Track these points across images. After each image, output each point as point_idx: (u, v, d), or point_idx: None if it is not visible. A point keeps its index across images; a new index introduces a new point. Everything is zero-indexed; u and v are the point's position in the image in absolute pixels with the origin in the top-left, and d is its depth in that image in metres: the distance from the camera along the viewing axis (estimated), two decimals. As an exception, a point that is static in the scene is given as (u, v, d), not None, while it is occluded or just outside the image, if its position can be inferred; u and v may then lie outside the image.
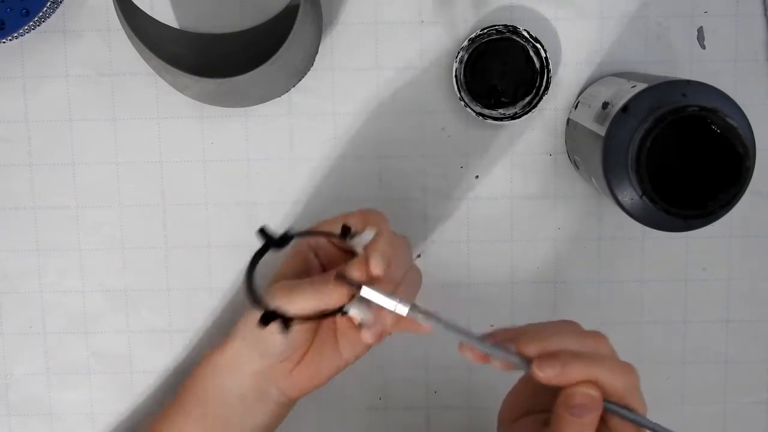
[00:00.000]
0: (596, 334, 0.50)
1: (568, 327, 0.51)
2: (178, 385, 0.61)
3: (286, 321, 0.50)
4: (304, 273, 0.58)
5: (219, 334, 0.65)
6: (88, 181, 0.65)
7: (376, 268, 0.51)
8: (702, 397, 0.66)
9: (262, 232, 0.51)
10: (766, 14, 0.63)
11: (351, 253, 0.56)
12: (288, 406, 0.60)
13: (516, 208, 0.65)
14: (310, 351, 0.57)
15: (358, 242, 0.54)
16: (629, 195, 0.52)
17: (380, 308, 0.51)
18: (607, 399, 0.48)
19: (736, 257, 0.65)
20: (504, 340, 0.50)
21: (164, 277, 0.66)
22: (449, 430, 0.67)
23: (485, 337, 0.50)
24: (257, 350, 0.56)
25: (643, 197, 0.51)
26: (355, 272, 0.52)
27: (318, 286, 0.53)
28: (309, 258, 0.58)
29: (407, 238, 0.58)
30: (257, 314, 0.51)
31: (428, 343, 0.66)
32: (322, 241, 0.57)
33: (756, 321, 0.66)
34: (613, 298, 0.66)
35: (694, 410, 0.67)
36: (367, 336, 0.53)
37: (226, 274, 0.66)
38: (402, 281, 0.54)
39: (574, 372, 0.47)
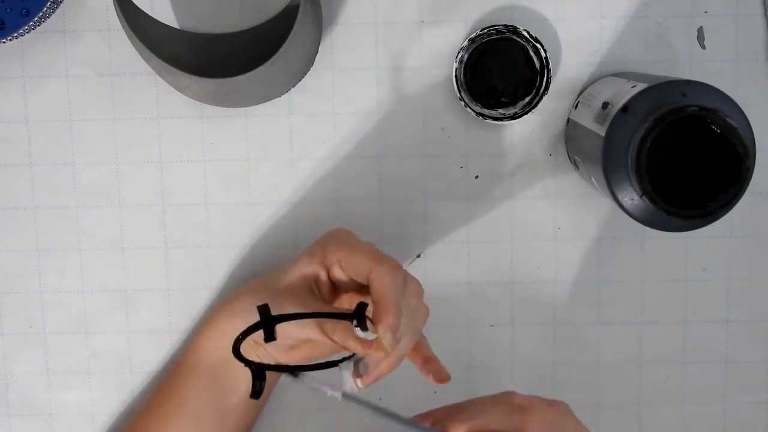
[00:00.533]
0: (525, 410, 0.53)
1: (501, 402, 0.54)
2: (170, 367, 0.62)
3: (262, 374, 0.50)
4: (314, 285, 0.58)
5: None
6: (88, 181, 0.65)
7: (388, 346, 0.51)
8: (702, 397, 0.66)
9: (263, 309, 0.50)
10: (766, 14, 0.64)
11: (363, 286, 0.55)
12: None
13: (516, 208, 0.65)
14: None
15: (367, 333, 0.52)
16: (629, 195, 0.52)
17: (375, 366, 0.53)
18: None
19: (736, 257, 0.65)
20: (439, 419, 0.53)
21: (164, 277, 0.66)
22: (449, 430, 0.67)
23: (422, 418, 0.54)
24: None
25: (643, 197, 0.50)
26: (358, 347, 0.52)
27: (325, 330, 0.53)
28: (320, 275, 0.58)
29: (417, 281, 0.56)
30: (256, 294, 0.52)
31: (429, 343, 0.66)
32: (333, 262, 0.57)
33: (756, 321, 0.66)
34: (613, 298, 0.66)
35: (694, 410, 0.67)
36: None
37: (226, 274, 0.66)
38: (406, 332, 0.53)
39: None
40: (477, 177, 0.65)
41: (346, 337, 0.52)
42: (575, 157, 0.62)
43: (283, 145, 0.65)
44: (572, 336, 0.66)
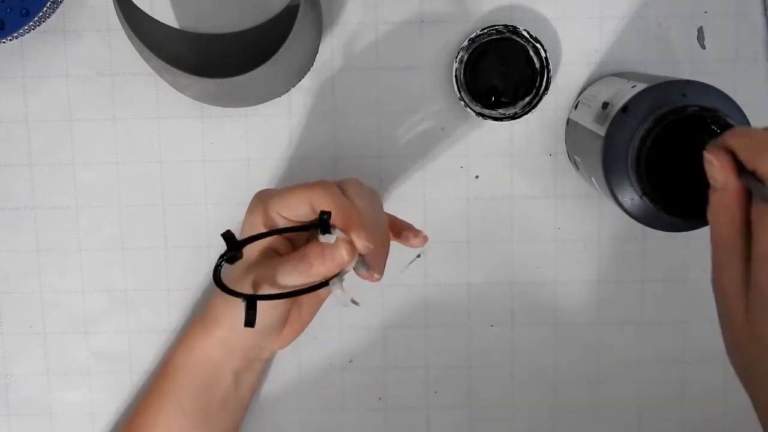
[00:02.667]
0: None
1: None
2: (154, 376, 0.63)
3: (253, 304, 0.52)
4: (272, 253, 0.58)
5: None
6: (88, 181, 0.65)
7: (363, 248, 0.52)
8: (702, 397, 0.66)
9: (227, 237, 0.52)
10: (766, 14, 0.64)
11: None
12: (271, 358, 0.64)
13: (516, 208, 0.65)
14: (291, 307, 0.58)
15: (331, 237, 0.53)
16: (629, 195, 0.52)
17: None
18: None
19: (736, 257, 0.65)
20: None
21: (164, 277, 0.66)
22: (449, 430, 0.67)
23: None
24: (250, 330, 0.56)
25: (643, 197, 0.50)
26: (346, 256, 0.52)
27: (303, 270, 0.53)
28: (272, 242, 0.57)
29: (351, 178, 0.58)
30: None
31: (428, 343, 0.66)
32: (274, 217, 0.56)
33: (756, 321, 0.66)
34: (613, 298, 0.66)
35: (694, 410, 0.66)
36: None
37: (226, 274, 0.66)
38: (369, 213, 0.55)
39: None
40: (477, 177, 0.65)
41: (324, 256, 0.53)
42: (575, 157, 0.62)
43: (283, 145, 0.65)
44: (572, 336, 0.66)
